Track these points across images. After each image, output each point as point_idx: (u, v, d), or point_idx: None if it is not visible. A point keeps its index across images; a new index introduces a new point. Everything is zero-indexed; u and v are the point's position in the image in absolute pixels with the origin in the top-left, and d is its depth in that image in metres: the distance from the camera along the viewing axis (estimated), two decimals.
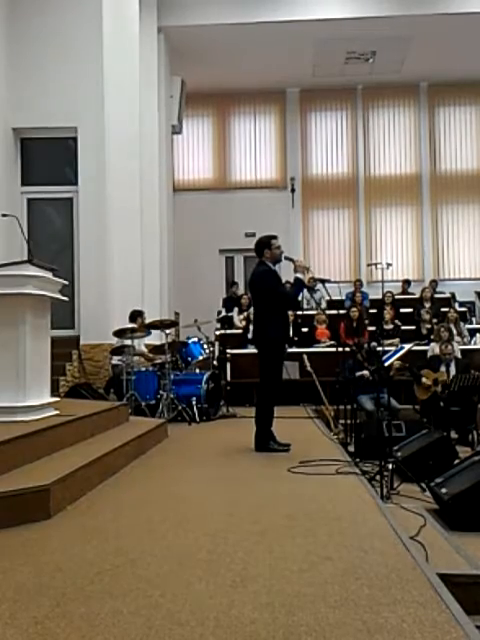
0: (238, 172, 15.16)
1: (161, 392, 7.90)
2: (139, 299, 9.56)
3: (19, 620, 2.16)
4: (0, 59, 9.04)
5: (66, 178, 9.47)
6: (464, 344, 10.06)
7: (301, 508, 3.62)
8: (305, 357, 8.19)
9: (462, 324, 10.73)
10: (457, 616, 2.15)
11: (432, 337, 9.55)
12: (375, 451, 4.91)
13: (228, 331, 10.75)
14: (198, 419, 7.82)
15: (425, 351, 9.26)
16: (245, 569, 2.63)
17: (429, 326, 10.34)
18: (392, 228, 14.92)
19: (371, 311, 11.43)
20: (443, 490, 4.37)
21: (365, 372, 7.67)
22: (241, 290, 13.07)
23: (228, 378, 9.49)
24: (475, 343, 10.36)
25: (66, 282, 5.22)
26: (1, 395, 4.46)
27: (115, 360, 8.40)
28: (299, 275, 5.64)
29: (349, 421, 6.73)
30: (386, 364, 6.05)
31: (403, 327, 10.72)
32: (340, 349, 7.80)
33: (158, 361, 8.24)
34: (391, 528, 3.21)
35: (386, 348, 7.46)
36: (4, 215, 5.70)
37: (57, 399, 5.28)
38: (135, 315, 8.68)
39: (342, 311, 10.41)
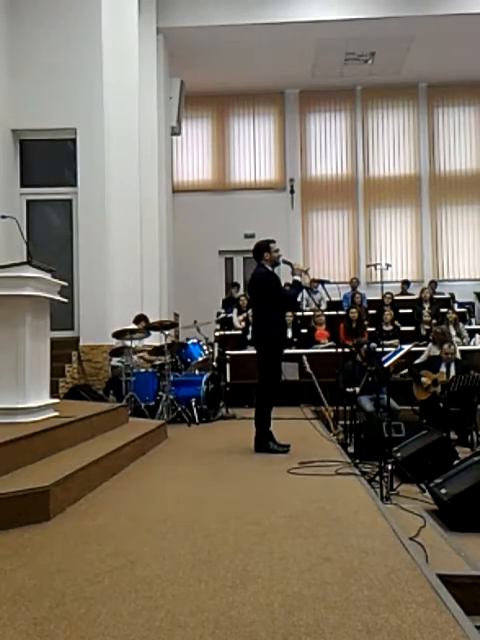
0: (237, 173, 15.17)
1: (160, 393, 7.90)
2: (138, 300, 9.56)
3: (19, 621, 2.16)
4: None
5: (65, 179, 9.47)
6: (463, 345, 10.06)
7: (301, 509, 3.62)
8: (304, 358, 8.18)
9: (461, 325, 10.73)
10: (457, 616, 2.15)
11: (431, 338, 9.55)
12: (375, 452, 4.91)
13: (228, 332, 10.75)
14: (197, 420, 7.82)
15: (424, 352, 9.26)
16: (245, 570, 2.63)
17: (428, 327, 10.34)
18: (391, 229, 14.93)
19: (370, 312, 11.43)
20: (443, 491, 4.36)
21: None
22: (241, 291, 13.05)
23: (228, 379, 9.48)
24: (475, 343, 10.37)
25: (65, 283, 5.22)
26: (1, 396, 4.46)
27: (114, 361, 8.40)
28: (297, 278, 5.79)
29: (349, 422, 6.73)
30: (386, 365, 6.03)
31: (402, 328, 10.72)
32: (339, 350, 7.80)
33: (157, 362, 8.24)
34: (391, 529, 3.22)
35: (386, 349, 7.44)
36: (3, 216, 5.68)
37: (56, 400, 5.28)
38: (139, 319, 8.68)
39: (341, 312, 10.41)
